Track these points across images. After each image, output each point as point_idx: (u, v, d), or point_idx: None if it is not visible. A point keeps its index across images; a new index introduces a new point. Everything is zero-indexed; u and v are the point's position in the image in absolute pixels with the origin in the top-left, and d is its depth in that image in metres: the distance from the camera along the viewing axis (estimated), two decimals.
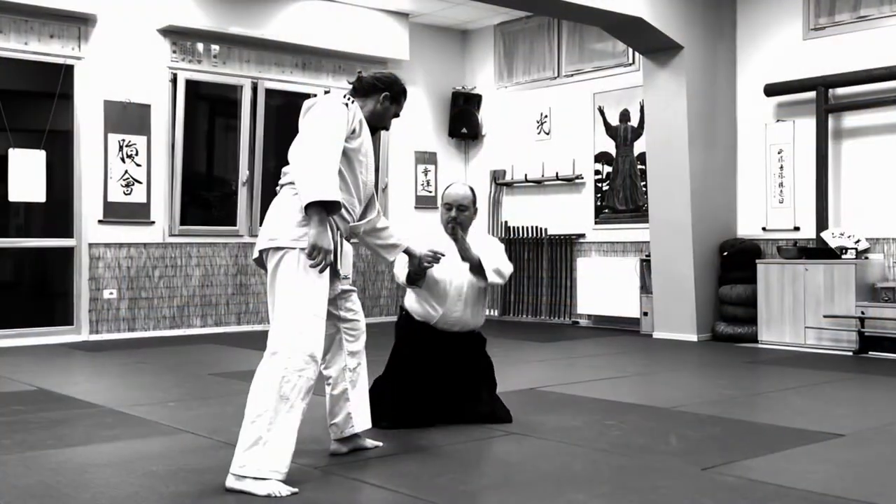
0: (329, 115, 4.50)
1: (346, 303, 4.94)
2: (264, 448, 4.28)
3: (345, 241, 4.85)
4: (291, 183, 4.54)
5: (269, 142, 12.29)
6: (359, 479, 4.51)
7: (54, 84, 10.84)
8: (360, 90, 4.93)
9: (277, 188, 4.69)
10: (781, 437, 5.55)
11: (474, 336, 6.16)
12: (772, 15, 11.08)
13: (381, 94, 4.93)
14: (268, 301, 4.59)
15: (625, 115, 12.41)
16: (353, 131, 4.65)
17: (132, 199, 11.24)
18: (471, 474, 4.69)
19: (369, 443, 5.10)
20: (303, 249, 4.39)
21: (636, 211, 12.25)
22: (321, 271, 4.41)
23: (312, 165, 4.33)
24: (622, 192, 12.44)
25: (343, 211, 4.61)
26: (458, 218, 5.85)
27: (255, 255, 4.65)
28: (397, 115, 5.14)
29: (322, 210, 4.33)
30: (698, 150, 10.91)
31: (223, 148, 12.66)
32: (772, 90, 10.87)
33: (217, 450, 5.15)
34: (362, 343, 5.01)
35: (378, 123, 4.97)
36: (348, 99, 4.67)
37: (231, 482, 4.31)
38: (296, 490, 4.26)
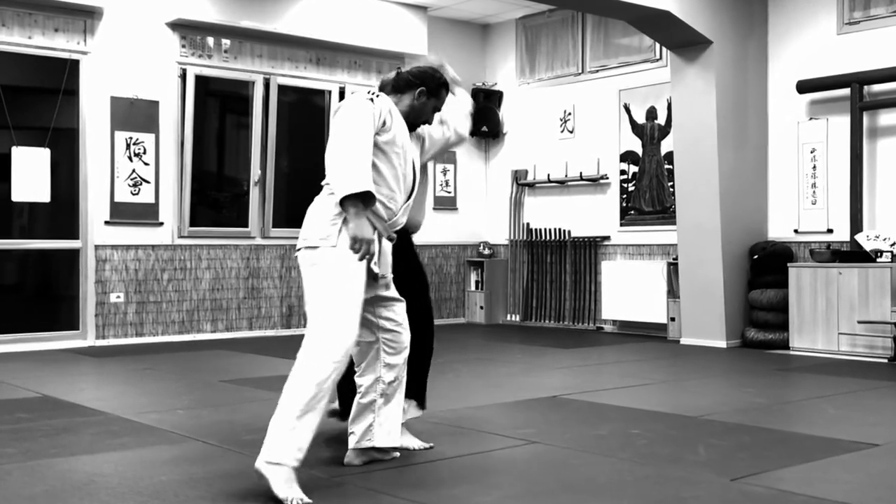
0: (353, 112, 4.65)
1: (386, 311, 4.98)
2: (292, 433, 4.44)
3: (383, 241, 4.89)
4: (328, 183, 4.72)
5: (281, 140, 12.32)
6: (374, 490, 4.53)
7: (59, 80, 10.88)
8: (397, 87, 5.10)
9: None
10: (813, 446, 5.54)
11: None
12: (805, 8, 11.06)
13: (416, 89, 5.10)
14: (305, 300, 4.73)
15: (651, 113, 12.40)
16: (384, 124, 4.77)
17: (140, 199, 11.28)
18: (490, 485, 4.69)
19: (412, 443, 5.15)
20: (333, 247, 4.58)
21: (663, 212, 12.24)
22: (369, 262, 4.63)
23: (342, 160, 4.52)
24: (648, 193, 12.43)
25: (380, 206, 4.74)
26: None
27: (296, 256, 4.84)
28: (438, 109, 5.28)
29: (358, 202, 4.51)
30: (728, 150, 10.90)
31: (234, 146, 12.69)
32: (804, 87, 10.85)
33: (227, 459, 5.17)
34: (403, 358, 5.02)
35: (417, 119, 5.15)
36: (373, 94, 4.79)
37: (261, 465, 4.46)
38: (309, 501, 4.30)
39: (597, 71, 13.14)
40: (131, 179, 11.22)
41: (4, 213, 10.86)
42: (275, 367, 8.93)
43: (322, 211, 4.70)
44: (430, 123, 5.29)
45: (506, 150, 14.40)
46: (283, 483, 4.36)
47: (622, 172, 12.74)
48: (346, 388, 5.35)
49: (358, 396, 4.99)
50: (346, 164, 4.51)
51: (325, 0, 12.33)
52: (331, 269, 4.60)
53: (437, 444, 5.48)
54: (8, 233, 10.90)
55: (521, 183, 14.00)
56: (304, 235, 4.74)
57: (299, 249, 4.76)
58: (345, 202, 4.51)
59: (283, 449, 4.41)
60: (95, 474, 4.84)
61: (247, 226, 12.17)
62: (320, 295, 4.60)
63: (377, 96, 4.80)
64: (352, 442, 4.99)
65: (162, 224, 11.47)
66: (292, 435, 4.43)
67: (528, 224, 13.97)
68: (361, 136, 4.59)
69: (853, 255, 10.18)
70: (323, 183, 4.81)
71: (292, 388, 4.52)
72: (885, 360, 9.61)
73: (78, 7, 10.87)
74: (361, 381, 4.98)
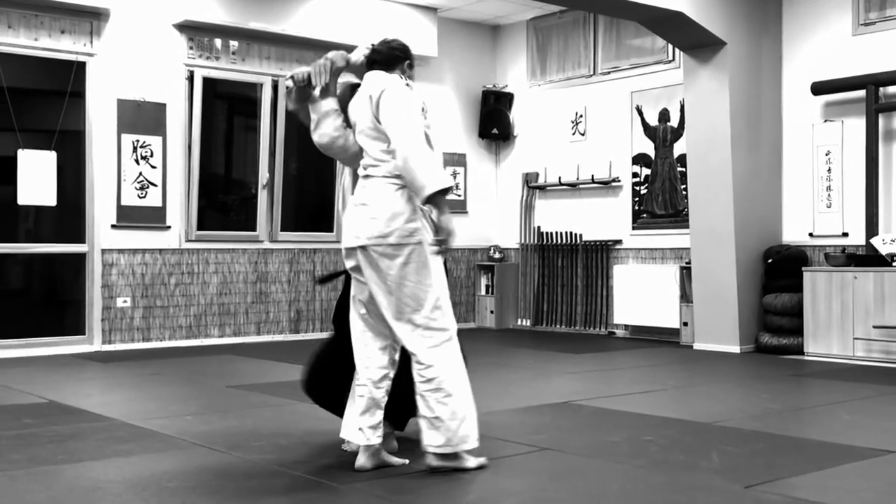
0: (411, 104, 4.88)
1: None
2: (470, 422, 4.89)
3: None
4: (386, 176, 4.87)
5: (290, 143, 12.32)
6: (383, 497, 4.52)
7: (65, 82, 10.90)
8: (383, 63, 5.18)
9: (360, 175, 5.03)
10: (828, 453, 5.53)
11: None
12: (819, 9, 11.05)
13: (403, 62, 5.23)
14: (382, 295, 4.87)
15: (664, 115, 12.39)
16: (423, 110, 4.98)
17: (147, 202, 11.30)
18: (501, 492, 4.68)
19: (395, 460, 5.12)
20: (419, 243, 4.81)
21: (676, 216, 12.23)
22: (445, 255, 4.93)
23: (426, 156, 4.75)
24: (661, 196, 12.42)
25: None
26: None
27: (350, 245, 4.94)
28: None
29: (443, 195, 4.74)
30: (741, 152, 10.89)
31: (242, 149, 12.71)
32: (819, 89, 10.84)
33: (235, 465, 5.17)
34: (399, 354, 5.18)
35: None
36: (407, 79, 5.08)
37: (437, 461, 4.89)
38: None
39: (608, 72, 13.13)
40: (138, 182, 11.23)
41: (10, 217, 10.89)
42: (283, 372, 8.93)
43: (397, 207, 4.83)
44: None
45: (516, 152, 14.39)
46: (470, 459, 4.94)
47: (634, 175, 12.73)
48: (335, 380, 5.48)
49: (366, 391, 4.97)
50: (429, 160, 4.75)
51: (333, 1, 12.35)
52: (427, 264, 4.83)
53: None
54: (14, 237, 10.93)
55: (532, 186, 13.99)
56: (379, 231, 4.82)
57: (374, 245, 4.83)
58: (435, 197, 4.70)
59: (474, 431, 4.92)
60: (101, 481, 4.84)
61: (255, 229, 12.18)
62: (426, 290, 4.83)
63: (407, 83, 5.06)
64: (362, 439, 4.98)
65: (169, 228, 11.49)
66: (470, 423, 4.92)
67: (538, 227, 13.97)
68: (423, 129, 4.84)
69: (869, 258, 10.16)
70: (371, 173, 4.93)
71: (455, 379, 4.85)
72: None
73: (84, 8, 10.89)
74: (370, 375, 4.99)
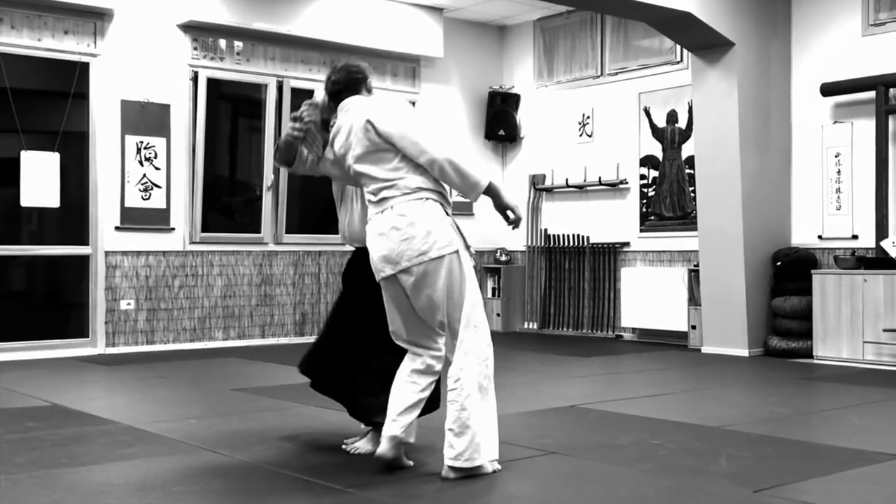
0: (413, 112, 5.09)
1: None
2: (484, 435, 4.93)
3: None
4: (407, 193, 4.91)
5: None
6: (392, 501, 4.52)
7: (69, 83, 10.91)
8: (347, 89, 5.22)
9: (373, 200, 5.03)
10: (838, 458, 5.53)
11: None
12: (829, 10, 11.04)
13: (364, 82, 5.28)
14: (427, 308, 4.93)
15: (672, 117, 12.39)
16: None
17: (151, 204, 11.31)
18: (508, 496, 4.69)
19: (407, 462, 5.14)
20: (456, 252, 4.88)
21: (684, 218, 12.22)
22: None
23: (462, 156, 4.89)
24: (669, 198, 12.42)
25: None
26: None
27: (388, 273, 4.96)
28: None
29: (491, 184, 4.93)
30: (750, 154, 10.88)
31: (247, 150, 12.72)
32: (829, 90, 10.83)
33: (240, 469, 5.18)
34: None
35: None
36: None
37: (452, 473, 4.89)
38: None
39: (616, 73, 13.13)
40: (142, 184, 11.24)
41: (13, 219, 10.90)
42: (288, 375, 8.91)
43: (429, 222, 4.86)
44: None
45: (523, 154, 14.40)
46: (486, 464, 4.95)
47: (642, 177, 12.73)
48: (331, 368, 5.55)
49: (419, 389, 5.02)
50: (466, 157, 4.91)
51: (339, 2, 12.36)
52: (465, 272, 4.91)
53: None
54: (17, 239, 10.94)
55: (539, 188, 13.99)
56: (418, 249, 4.84)
57: (415, 266, 4.85)
58: (489, 188, 4.89)
59: (495, 445, 5.00)
60: (105, 484, 4.85)
61: (259, 231, 12.19)
62: (465, 297, 4.91)
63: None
64: (395, 429, 4.96)
65: (173, 230, 11.50)
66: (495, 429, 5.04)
67: (545, 230, 13.97)
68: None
69: (879, 261, 10.15)
70: (402, 194, 4.92)
71: (480, 390, 4.92)
72: None
73: (88, 9, 10.90)
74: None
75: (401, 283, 4.92)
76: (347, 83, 5.20)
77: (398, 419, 4.94)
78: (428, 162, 4.84)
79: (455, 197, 5.11)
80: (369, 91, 5.27)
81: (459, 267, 4.87)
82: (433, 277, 4.84)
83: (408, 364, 5.04)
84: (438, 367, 5.06)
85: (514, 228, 5.12)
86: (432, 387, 5.08)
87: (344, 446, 5.57)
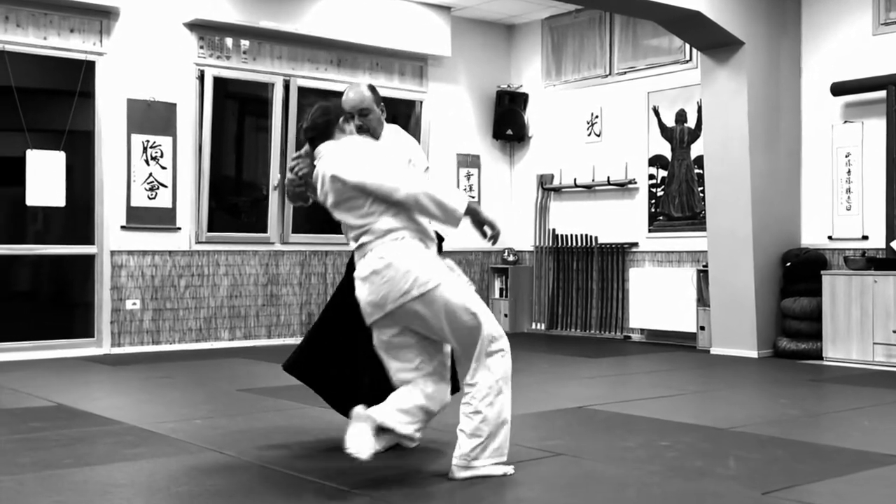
0: (376, 152, 5.14)
1: None
2: (493, 440, 4.94)
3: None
4: (381, 237, 4.96)
5: (301, 143, 12.27)
6: (394, 503, 4.53)
7: (75, 81, 10.93)
8: (321, 135, 5.28)
9: (354, 247, 5.13)
10: (847, 460, 5.52)
11: None
12: (839, 9, 11.03)
13: (337, 123, 5.28)
14: (435, 332, 4.97)
15: (681, 116, 12.38)
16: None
17: (157, 203, 11.32)
18: (515, 498, 4.69)
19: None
20: (438, 286, 4.86)
21: (693, 218, 12.21)
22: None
23: (432, 186, 4.90)
24: (678, 198, 12.41)
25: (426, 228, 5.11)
26: (364, 125, 5.77)
27: (377, 317, 5.00)
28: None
29: (468, 206, 4.92)
30: (760, 154, 10.87)
31: (253, 150, 12.72)
32: (839, 89, 10.82)
33: (245, 470, 5.18)
34: None
35: None
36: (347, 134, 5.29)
37: (459, 472, 4.91)
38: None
39: (625, 73, 13.12)
40: (148, 183, 11.25)
41: (18, 218, 10.92)
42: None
43: (412, 259, 4.90)
44: None
45: (531, 153, 14.39)
46: (497, 467, 4.95)
47: (651, 177, 12.72)
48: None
49: (418, 403, 5.00)
50: (437, 185, 4.92)
51: (346, 0, 12.36)
52: (456, 302, 4.88)
53: None
54: (22, 238, 10.95)
55: (547, 188, 13.99)
56: (400, 290, 4.87)
57: (403, 304, 4.87)
58: (468, 211, 4.89)
59: (505, 447, 5.00)
60: (110, 485, 4.86)
61: (266, 231, 12.19)
62: (468, 313, 4.89)
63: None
64: (382, 414, 4.90)
65: (179, 229, 11.51)
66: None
67: (553, 230, 13.96)
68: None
69: (889, 262, 10.13)
70: (377, 238, 4.97)
71: (495, 394, 4.90)
72: None
73: (94, 7, 10.91)
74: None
75: (395, 322, 4.96)
76: (317, 130, 5.25)
77: (387, 408, 4.92)
78: (404, 198, 4.87)
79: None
80: (342, 130, 5.23)
81: (447, 298, 4.87)
82: (422, 314, 4.88)
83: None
84: (434, 410, 5.06)
85: (492, 244, 5.14)
86: (423, 422, 5.03)
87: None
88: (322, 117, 5.25)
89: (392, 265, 4.87)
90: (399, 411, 4.88)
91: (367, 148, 5.16)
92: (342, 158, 5.04)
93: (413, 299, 4.84)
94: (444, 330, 4.89)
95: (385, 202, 4.92)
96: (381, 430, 4.81)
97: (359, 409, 4.79)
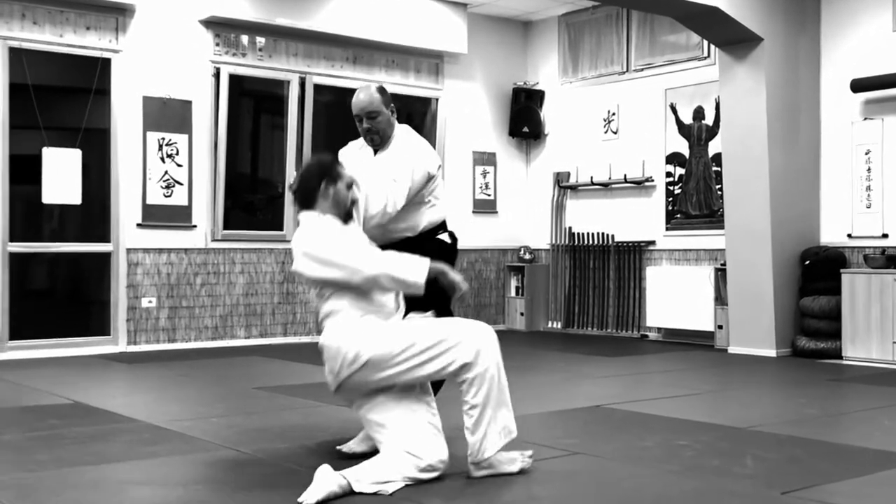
0: (324, 240, 5.06)
1: None
2: (491, 433, 4.94)
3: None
4: (324, 319, 5.07)
5: (317, 140, 12.33)
6: (415, 500, 4.53)
7: (90, 79, 10.95)
8: (304, 201, 5.28)
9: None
10: (867, 459, 5.52)
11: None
12: (858, 5, 11.00)
13: (320, 185, 5.19)
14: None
15: (699, 113, 12.36)
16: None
17: (172, 201, 11.34)
18: (531, 497, 4.69)
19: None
20: (366, 364, 4.84)
21: (711, 216, 12.20)
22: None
23: (384, 265, 4.90)
24: (696, 196, 12.39)
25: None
26: (373, 128, 5.78)
27: (334, 389, 5.07)
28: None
29: (426, 270, 4.91)
30: (778, 151, 10.85)
31: (269, 147, 12.74)
32: (859, 86, 10.79)
33: (261, 468, 5.19)
34: None
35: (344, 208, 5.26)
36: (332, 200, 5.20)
37: (482, 472, 4.95)
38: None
39: (642, 69, 13.11)
40: (164, 181, 11.28)
41: (35, 216, 10.95)
42: (310, 373, 8.95)
43: (340, 338, 4.94)
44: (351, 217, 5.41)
45: (547, 151, 14.39)
46: (513, 463, 5.03)
47: (668, 175, 12.71)
48: None
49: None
50: (387, 263, 4.89)
51: None
52: (388, 370, 4.85)
53: None
54: (38, 236, 10.99)
55: (563, 185, 13.98)
56: (335, 369, 4.93)
57: (341, 382, 4.95)
58: (427, 275, 4.85)
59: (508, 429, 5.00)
60: (127, 482, 4.88)
61: (282, 229, 12.21)
62: (411, 371, 4.86)
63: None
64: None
65: (195, 227, 11.54)
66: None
67: (570, 228, 13.96)
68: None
69: None
70: (324, 319, 5.06)
71: (489, 381, 4.89)
72: None
73: (110, 4, 10.94)
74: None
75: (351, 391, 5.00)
76: (303, 194, 5.23)
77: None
78: (362, 283, 4.88)
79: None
80: (329, 197, 5.14)
81: (378, 369, 4.84)
82: (364, 385, 4.92)
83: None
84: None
85: (460, 301, 5.15)
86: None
87: (339, 448, 5.57)
88: (304, 183, 5.20)
89: (325, 348, 4.99)
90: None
91: (324, 231, 5.07)
92: (301, 252, 5.06)
93: (346, 379, 4.91)
94: (403, 381, 4.95)
95: (344, 285, 4.94)
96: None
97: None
